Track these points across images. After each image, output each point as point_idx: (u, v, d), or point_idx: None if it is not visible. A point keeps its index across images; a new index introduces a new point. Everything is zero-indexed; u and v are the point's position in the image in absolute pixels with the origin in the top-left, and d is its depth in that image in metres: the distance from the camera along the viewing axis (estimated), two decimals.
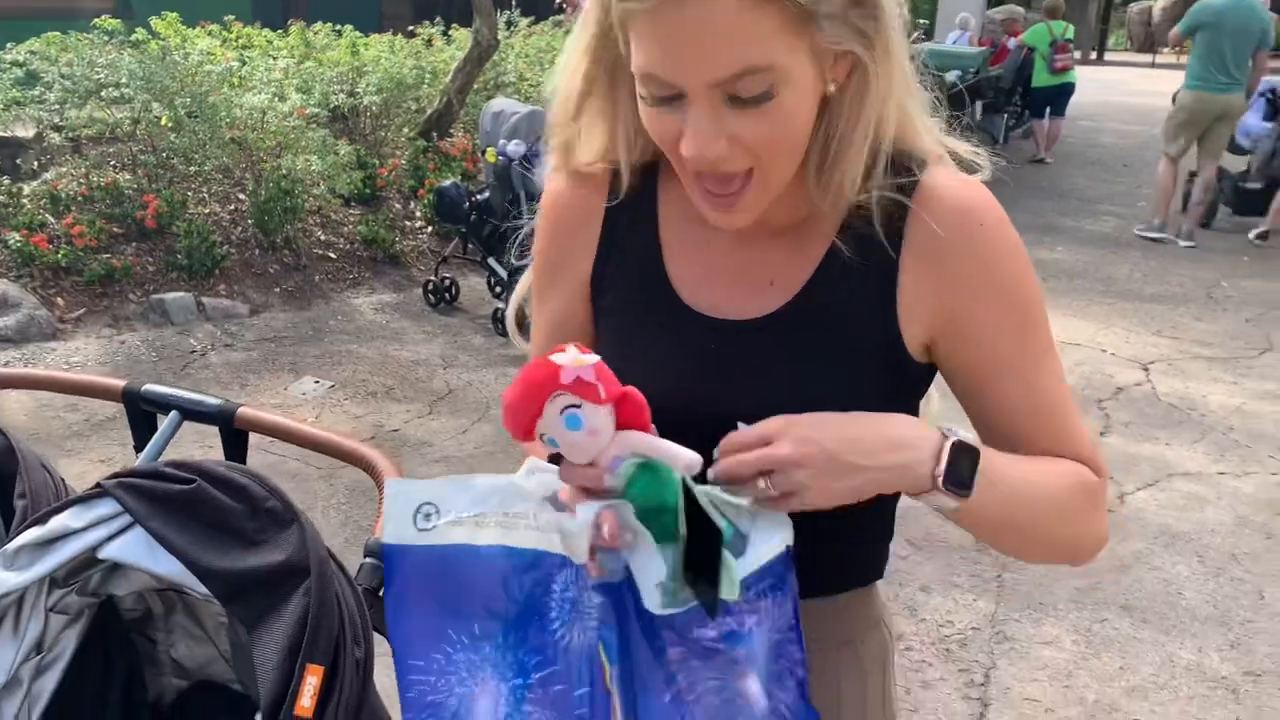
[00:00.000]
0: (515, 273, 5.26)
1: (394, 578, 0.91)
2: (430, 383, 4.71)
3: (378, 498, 1.32)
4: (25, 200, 5.66)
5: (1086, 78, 16.46)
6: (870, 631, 1.11)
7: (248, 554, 1.13)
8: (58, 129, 5.76)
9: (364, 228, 6.32)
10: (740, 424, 0.88)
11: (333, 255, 6.18)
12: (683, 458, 0.86)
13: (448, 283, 5.75)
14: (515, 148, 5.06)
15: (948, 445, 0.86)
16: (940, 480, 0.85)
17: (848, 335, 0.96)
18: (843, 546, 0.92)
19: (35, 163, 6.12)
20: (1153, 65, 20.50)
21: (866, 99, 0.90)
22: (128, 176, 5.98)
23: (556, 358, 0.84)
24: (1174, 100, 7.66)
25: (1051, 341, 0.98)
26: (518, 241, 1.19)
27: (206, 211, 6.12)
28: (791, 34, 0.83)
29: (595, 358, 0.86)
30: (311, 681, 1.08)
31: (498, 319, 5.34)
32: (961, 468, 0.86)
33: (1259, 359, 5.45)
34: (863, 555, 1.06)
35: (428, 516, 0.90)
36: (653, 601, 0.85)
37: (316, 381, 4.64)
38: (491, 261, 5.44)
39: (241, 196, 6.28)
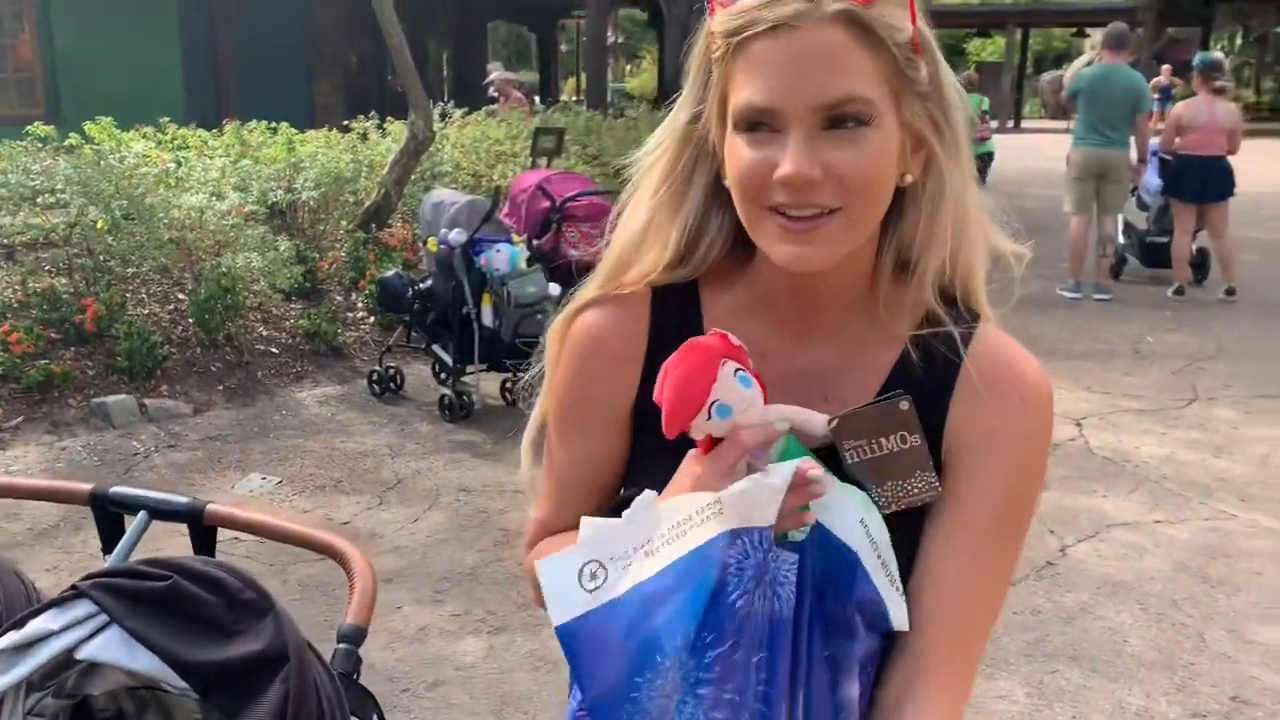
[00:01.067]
0: (460, 359, 5.31)
1: (578, 653, 0.86)
2: (378, 473, 4.71)
3: (348, 586, 1.37)
4: None
5: (1006, 145, 17.06)
6: None
7: (226, 645, 1.17)
8: None
9: (306, 321, 6.34)
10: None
11: (275, 350, 6.18)
12: (817, 419, 0.92)
13: (392, 372, 5.77)
14: (457, 236, 5.15)
15: None
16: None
17: None
18: None
19: None
20: (1067, 130, 21.37)
21: (943, 194, 0.95)
22: (64, 281, 5.95)
23: (710, 333, 0.91)
24: (1068, 161, 8.20)
25: (1015, 557, 1.00)
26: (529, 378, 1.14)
27: (146, 312, 6.10)
28: (886, 85, 0.90)
29: None
30: None
31: (445, 406, 5.37)
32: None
33: (1186, 409, 5.66)
34: None
35: (594, 575, 0.87)
36: (857, 536, 0.89)
37: (264, 478, 4.62)
38: (436, 349, 5.48)
39: (181, 296, 6.27)
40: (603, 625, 0.86)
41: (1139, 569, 3.80)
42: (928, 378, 0.99)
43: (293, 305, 6.63)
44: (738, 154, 0.92)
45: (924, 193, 0.96)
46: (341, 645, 1.29)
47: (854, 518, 0.90)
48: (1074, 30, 31.71)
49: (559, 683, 3.07)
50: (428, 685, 3.07)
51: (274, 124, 8.25)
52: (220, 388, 5.72)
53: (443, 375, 5.55)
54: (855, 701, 0.91)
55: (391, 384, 5.74)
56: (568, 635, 0.87)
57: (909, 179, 0.95)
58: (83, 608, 1.20)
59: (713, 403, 0.88)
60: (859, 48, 0.88)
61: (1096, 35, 8.07)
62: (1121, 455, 4.95)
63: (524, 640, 3.30)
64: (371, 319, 6.72)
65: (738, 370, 0.89)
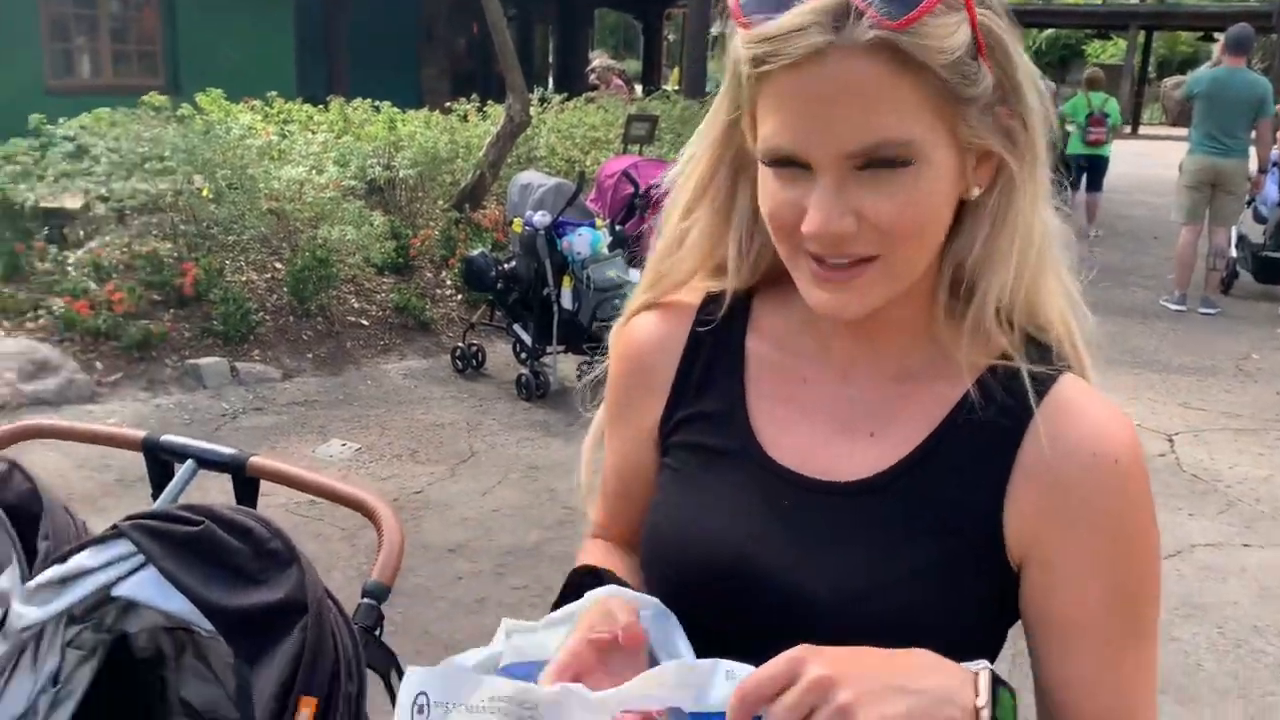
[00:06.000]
0: (539, 340, 5.36)
1: None
2: (454, 446, 4.79)
3: (376, 543, 1.39)
4: (70, 268, 5.87)
5: (1120, 150, 16.52)
6: None
7: (250, 592, 1.20)
8: (104, 200, 5.99)
9: (396, 295, 6.48)
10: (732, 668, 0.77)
11: (365, 322, 6.32)
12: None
13: (475, 349, 5.86)
14: (541, 218, 5.20)
15: (983, 674, 0.75)
16: (984, 713, 0.73)
17: (952, 515, 0.85)
18: None
19: (81, 232, 6.34)
20: (1187, 139, 20.55)
21: (1012, 208, 0.83)
22: (168, 246, 6.18)
23: None
24: (1180, 168, 7.85)
25: (1153, 630, 0.85)
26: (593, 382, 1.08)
27: (243, 279, 6.30)
28: (933, 114, 0.77)
29: None
30: (304, 714, 1.14)
31: (522, 384, 5.43)
32: (1004, 701, 0.74)
33: None
34: None
35: (421, 710, 0.80)
36: None
37: (344, 444, 4.73)
38: (517, 329, 5.55)
39: (278, 265, 6.46)
40: None
41: (1220, 592, 3.66)
42: (993, 422, 0.85)
43: (384, 279, 6.78)
44: (767, 189, 0.83)
45: (988, 205, 0.83)
46: (365, 600, 1.31)
47: None
48: (1200, 35, 30.50)
49: None
50: None
51: (378, 103, 8.45)
52: (310, 355, 5.88)
53: (522, 355, 5.61)
54: None
55: (473, 361, 5.83)
56: None
57: (975, 193, 0.83)
58: (121, 547, 1.25)
59: None
60: (897, 78, 0.75)
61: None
62: (1213, 474, 4.75)
63: None
64: (459, 296, 6.83)
65: None
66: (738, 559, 0.87)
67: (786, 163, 0.80)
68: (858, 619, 0.82)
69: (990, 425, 0.85)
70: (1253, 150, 7.69)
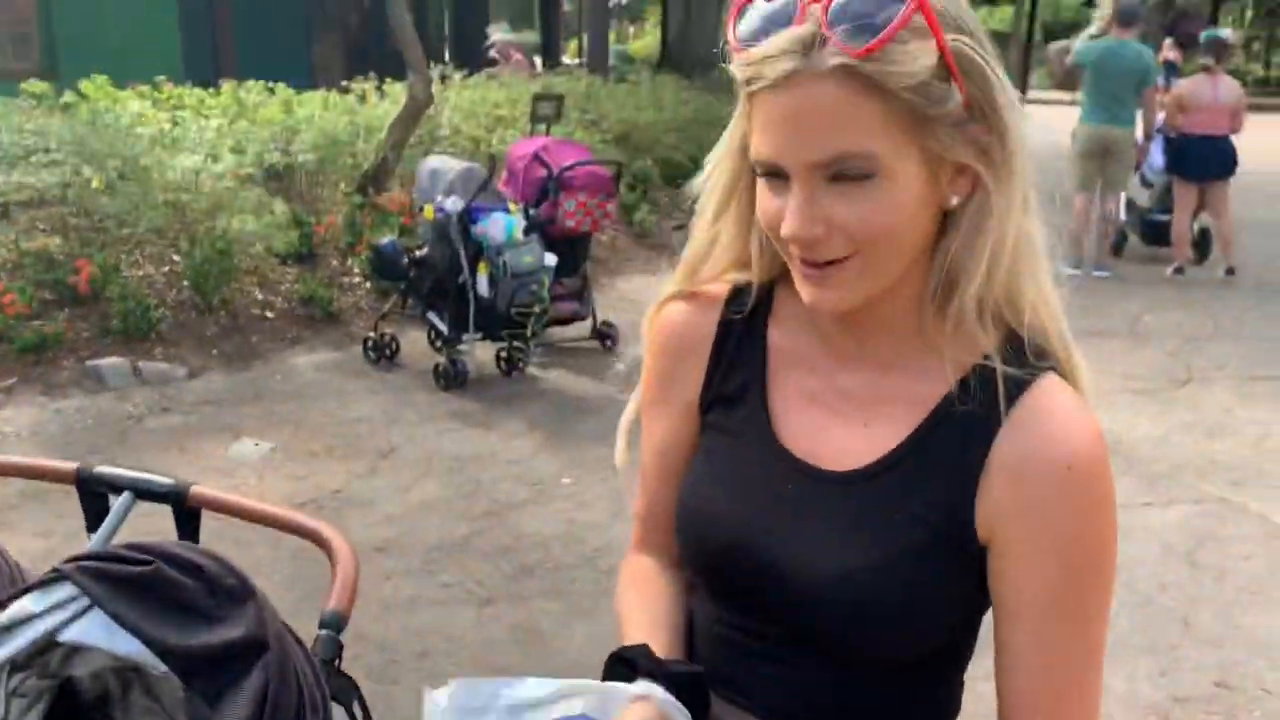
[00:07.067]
0: (455, 328, 5.29)
1: None
2: (372, 440, 4.71)
3: (330, 569, 1.37)
4: None
5: None
6: None
7: (206, 631, 1.17)
8: None
9: (301, 286, 6.32)
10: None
11: (270, 315, 6.16)
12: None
13: (388, 339, 5.76)
14: (453, 204, 5.12)
15: None
16: None
17: (931, 507, 0.94)
18: None
19: None
20: (1073, 102, 21.14)
21: (988, 217, 0.90)
22: (59, 241, 5.91)
23: None
24: (1073, 136, 8.14)
25: (1098, 615, 0.94)
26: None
27: (141, 274, 6.07)
28: (898, 130, 0.85)
29: None
30: None
31: (440, 374, 5.36)
32: None
33: (1180, 391, 5.66)
34: None
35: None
36: None
37: (256, 443, 4.62)
38: (432, 316, 5.47)
39: (176, 258, 6.24)
40: None
41: (1126, 552, 3.80)
42: (971, 421, 0.94)
43: (288, 269, 6.60)
44: (761, 197, 0.94)
45: (966, 213, 0.91)
46: (323, 631, 1.29)
47: None
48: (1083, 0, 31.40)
49: (543, 654, 3.09)
50: (416, 655, 3.09)
51: (271, 84, 8.19)
52: (215, 351, 5.71)
53: (438, 343, 5.54)
54: None
55: (387, 350, 5.74)
56: None
57: (954, 201, 0.91)
58: (64, 590, 1.20)
59: None
60: (861, 98, 0.84)
61: (1106, 5, 7.95)
62: (1114, 437, 4.93)
63: (511, 612, 3.32)
64: (367, 284, 6.69)
65: None
66: (745, 538, 0.99)
67: (772, 173, 0.91)
68: (852, 597, 0.94)
69: (968, 423, 0.94)
70: (1139, 118, 7.98)
